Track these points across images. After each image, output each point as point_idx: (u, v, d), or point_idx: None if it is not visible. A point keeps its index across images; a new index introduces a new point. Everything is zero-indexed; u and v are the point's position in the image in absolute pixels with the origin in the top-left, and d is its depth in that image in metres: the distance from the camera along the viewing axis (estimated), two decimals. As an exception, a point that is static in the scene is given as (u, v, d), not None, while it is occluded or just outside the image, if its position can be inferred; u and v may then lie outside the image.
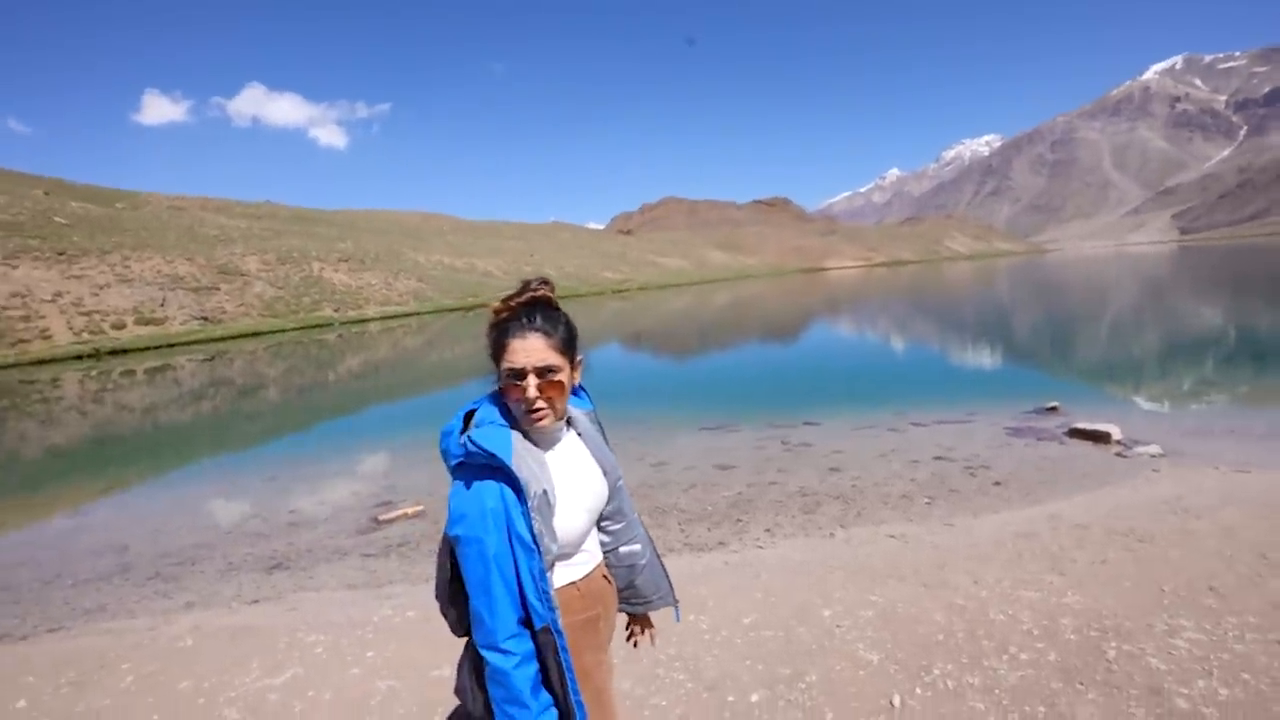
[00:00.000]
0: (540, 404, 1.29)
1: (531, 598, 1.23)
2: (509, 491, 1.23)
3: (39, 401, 21.15)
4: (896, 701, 2.42)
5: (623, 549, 1.55)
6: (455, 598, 1.35)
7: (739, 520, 5.17)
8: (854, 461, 6.53)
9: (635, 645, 1.76)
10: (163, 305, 48.44)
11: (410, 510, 5.95)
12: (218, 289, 53.47)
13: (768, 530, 4.88)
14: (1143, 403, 8.79)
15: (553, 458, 1.35)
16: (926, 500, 5.24)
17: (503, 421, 1.29)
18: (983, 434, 7.23)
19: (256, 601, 4.30)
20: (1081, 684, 2.43)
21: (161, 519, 6.55)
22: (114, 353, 40.75)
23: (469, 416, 1.33)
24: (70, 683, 3.27)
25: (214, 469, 9.36)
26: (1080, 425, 6.90)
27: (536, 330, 1.30)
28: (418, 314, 54.55)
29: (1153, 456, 5.98)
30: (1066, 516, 4.39)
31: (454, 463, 1.27)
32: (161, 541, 5.76)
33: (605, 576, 1.50)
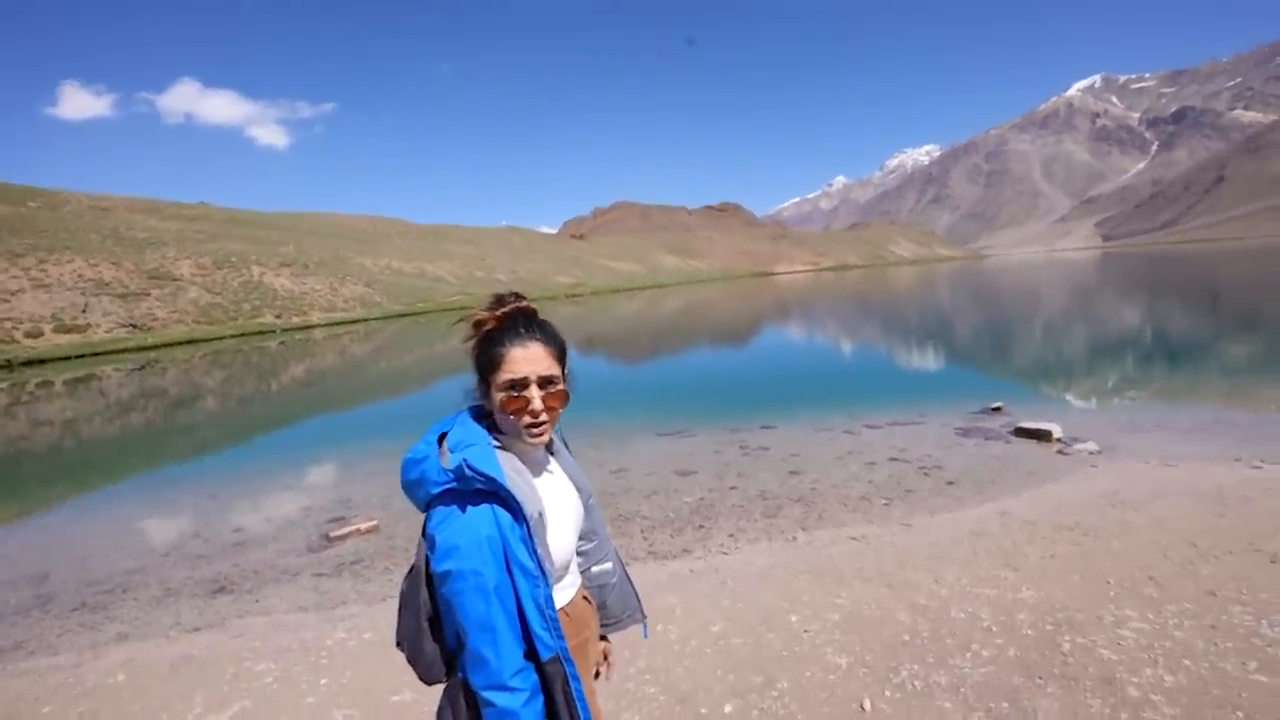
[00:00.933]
0: (544, 416, 1.22)
1: (537, 627, 1.15)
2: (504, 515, 1.13)
3: (-59, 417, 19.46)
4: (867, 705, 2.44)
5: (595, 568, 1.49)
6: (425, 640, 1.23)
7: (702, 526, 5.17)
8: (812, 464, 6.63)
9: (597, 677, 1.57)
10: (85, 312, 45.56)
11: (364, 526, 5.73)
12: (148, 294, 50.65)
13: (731, 535, 4.90)
14: (1079, 401, 9.26)
15: (538, 477, 1.29)
16: (884, 501, 5.37)
17: (489, 441, 1.20)
18: (934, 435, 7.47)
19: (198, 629, 4.04)
20: (1041, 678, 2.51)
21: (87, 544, 6.11)
22: (29, 363, 37.97)
23: (441, 439, 1.23)
24: None
25: (147, 487, 8.81)
26: (1024, 424, 7.20)
27: (537, 339, 1.24)
28: (365, 320, 52.86)
29: (1090, 453, 6.29)
30: (1016, 513, 4.56)
31: (436, 490, 1.14)
32: (88, 568, 5.36)
33: (586, 598, 1.45)
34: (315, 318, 53.28)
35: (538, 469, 1.31)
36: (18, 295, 44.08)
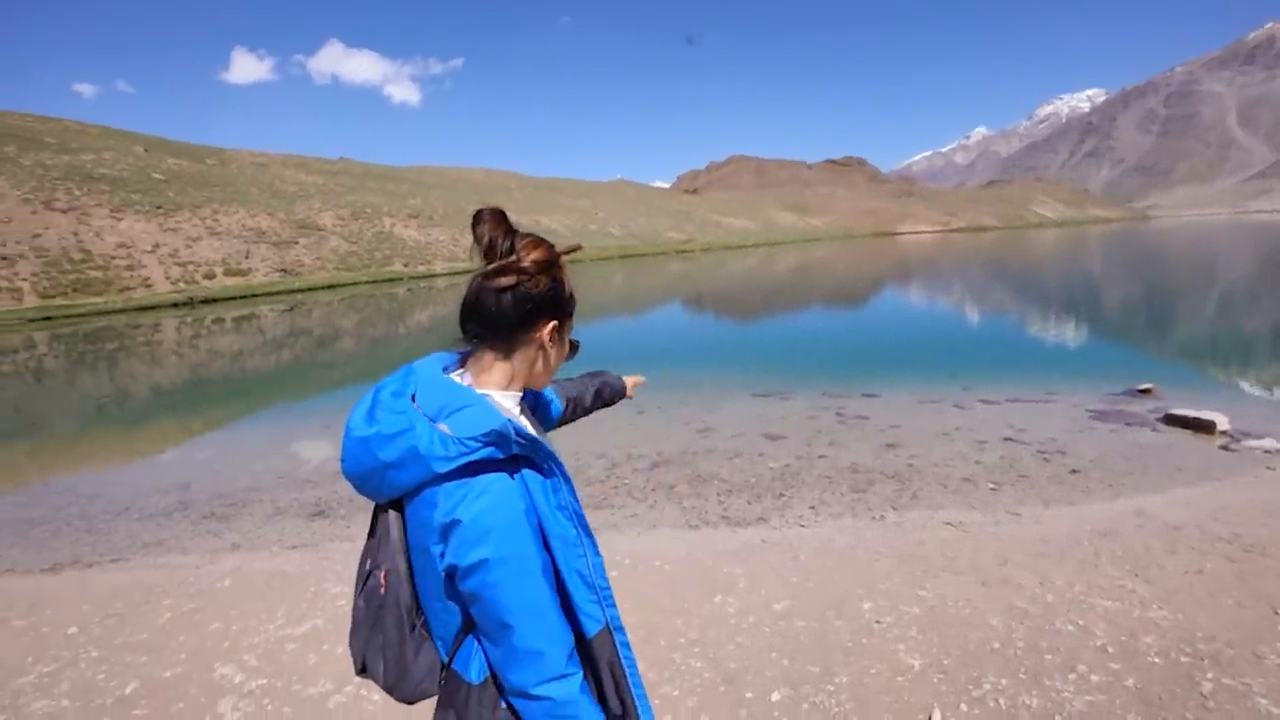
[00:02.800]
0: None
1: (583, 600, 1.02)
2: (534, 481, 0.98)
3: (144, 345, 22.94)
4: (936, 717, 2.15)
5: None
6: (412, 650, 1.06)
7: (782, 495, 4.90)
8: (913, 438, 6.09)
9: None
10: (247, 258, 51.25)
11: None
12: (296, 243, 55.98)
13: (812, 508, 4.60)
14: (1256, 390, 7.83)
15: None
16: (991, 485, 4.80)
17: (480, 396, 1.01)
18: (1061, 416, 6.61)
19: (295, 547, 4.39)
20: None
21: (224, 460, 6.87)
22: (205, 301, 43.51)
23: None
24: (116, 614, 3.41)
25: (281, 414, 9.79)
26: (1178, 411, 6.18)
27: None
28: (474, 271, 55.52)
29: (1267, 453, 5.27)
30: (1156, 515, 3.90)
31: (448, 467, 0.92)
32: (220, 482, 6.02)
33: None
34: (438, 267, 56.72)
35: (528, 422, 1.15)
36: (197, 242, 50.29)
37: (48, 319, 35.44)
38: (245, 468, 6.46)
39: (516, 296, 1.02)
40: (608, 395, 1.63)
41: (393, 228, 62.46)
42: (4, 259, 41.89)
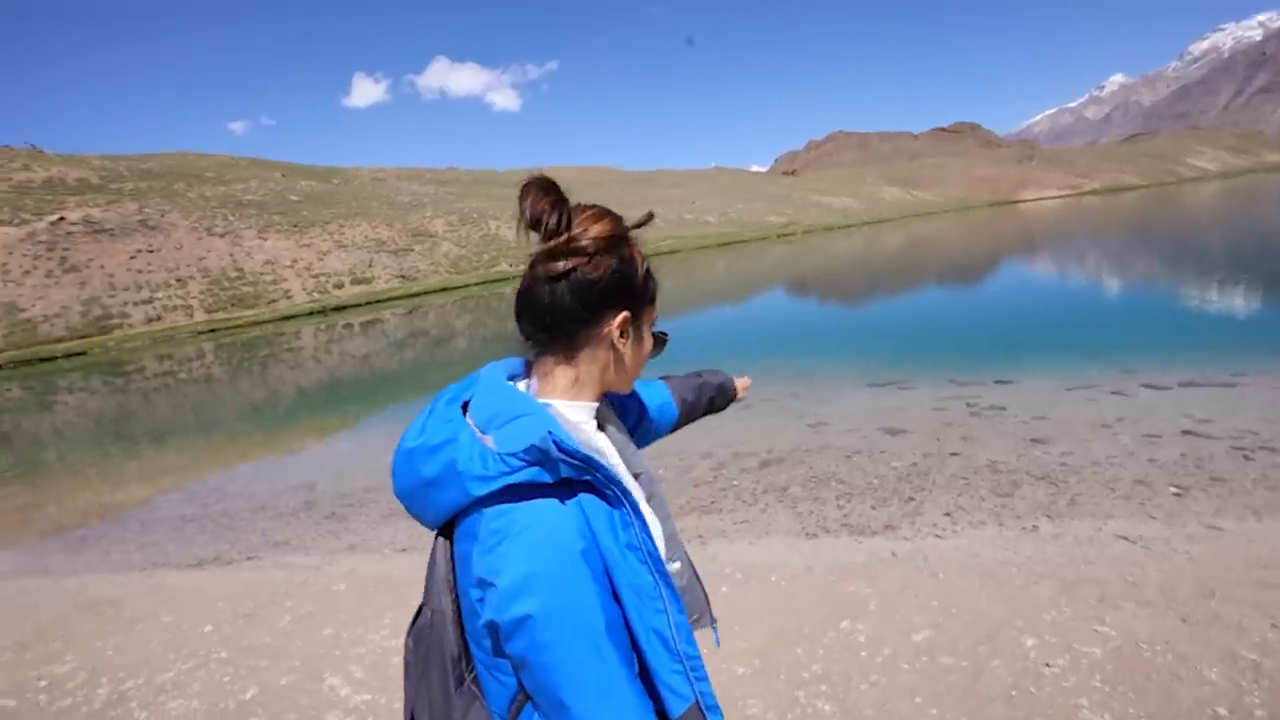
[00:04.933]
0: None
1: (666, 673, 0.77)
2: (599, 512, 0.75)
3: (287, 351, 25.50)
4: (1149, 804, 1.68)
5: (669, 566, 1.07)
6: (460, 711, 0.84)
7: (911, 499, 4.38)
8: (1064, 432, 5.29)
9: None
10: (370, 266, 55.47)
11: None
12: (412, 250, 59.89)
13: (948, 514, 4.06)
14: None
15: (613, 456, 0.90)
16: (1175, 490, 4.02)
17: (540, 404, 0.81)
18: (1257, 401, 5.51)
19: (404, 550, 4.47)
20: None
21: (348, 459, 7.26)
22: (336, 309, 47.56)
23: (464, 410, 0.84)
24: (244, 615, 3.56)
25: (401, 413, 10.31)
26: None
27: None
28: (581, 267, 56.98)
29: None
30: None
31: (487, 490, 0.73)
32: (342, 482, 6.33)
33: None
34: (540, 266, 58.76)
35: (608, 447, 0.90)
36: (327, 255, 55.08)
37: (213, 331, 40.26)
38: (365, 467, 6.76)
39: (574, 285, 0.82)
40: (720, 401, 1.41)
41: (498, 230, 65.33)
42: (179, 280, 47.95)
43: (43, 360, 33.93)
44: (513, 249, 60.56)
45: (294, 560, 4.53)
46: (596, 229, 0.82)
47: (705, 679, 0.81)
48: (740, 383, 1.49)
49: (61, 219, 50.14)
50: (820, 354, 9.94)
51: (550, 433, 0.73)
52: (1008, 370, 7.35)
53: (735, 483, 5.11)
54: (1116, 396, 6.08)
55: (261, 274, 51.06)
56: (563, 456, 0.72)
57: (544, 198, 0.81)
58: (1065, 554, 3.24)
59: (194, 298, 46.39)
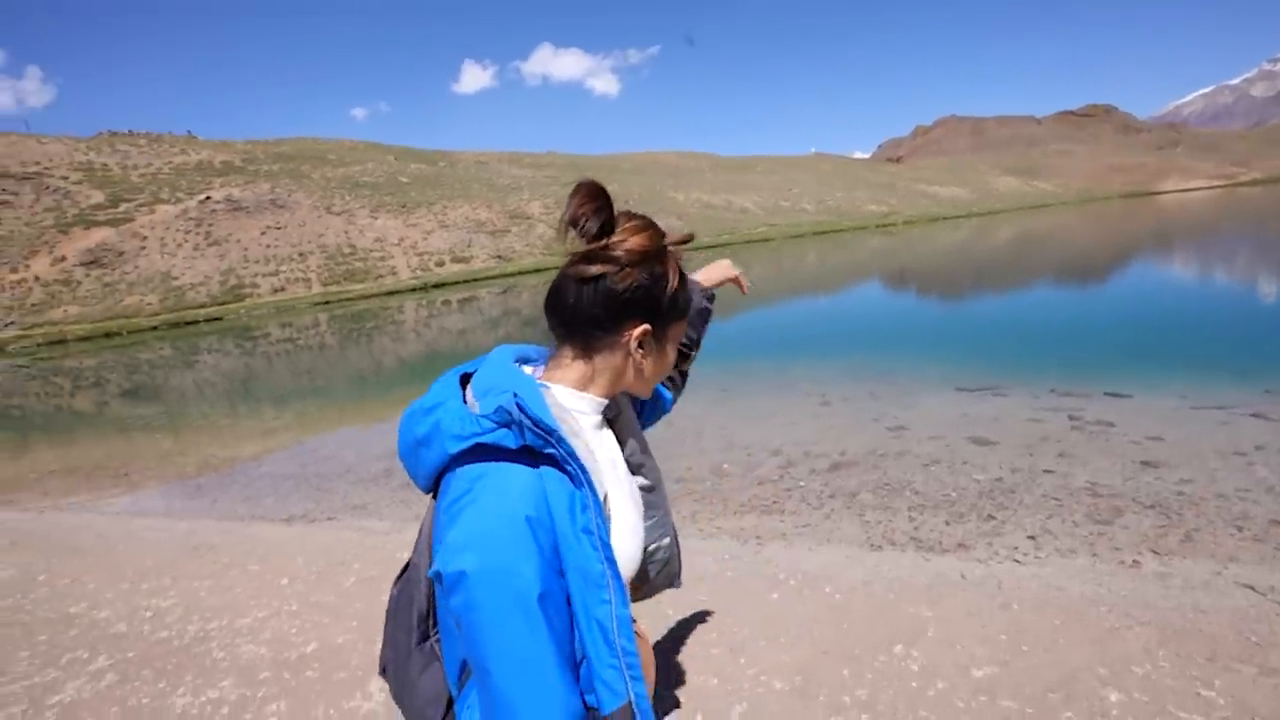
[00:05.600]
0: None
1: (602, 665, 0.76)
2: (559, 487, 0.77)
3: (391, 324, 27.26)
4: None
5: (650, 546, 1.06)
6: (417, 668, 0.90)
7: (991, 517, 4.03)
8: (1184, 457, 4.69)
9: None
10: (469, 246, 58.05)
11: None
12: (509, 231, 62.08)
13: (1032, 538, 3.70)
14: None
15: (599, 448, 0.91)
16: (1320, 535, 3.46)
17: (536, 385, 0.84)
18: None
19: (468, 524, 4.63)
20: None
21: (429, 432, 7.63)
22: (437, 285, 50.17)
23: (464, 382, 0.89)
24: (317, 572, 3.82)
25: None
26: None
27: None
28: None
29: None
30: None
31: (458, 447, 0.77)
32: (421, 453, 6.66)
33: (639, 632, 1.10)
34: (630, 250, 59.37)
35: (600, 438, 0.93)
36: (431, 234, 58.11)
37: (326, 303, 43.64)
38: (442, 440, 7.09)
39: (600, 291, 0.85)
40: (701, 322, 1.39)
41: (590, 214, 66.88)
42: (300, 255, 52.21)
43: (188, 324, 38.14)
44: (604, 233, 61.81)
45: (368, 524, 4.81)
46: (633, 241, 0.84)
47: (640, 680, 0.79)
48: (715, 272, 1.46)
49: (208, 198, 55.84)
50: (906, 353, 9.36)
51: (516, 395, 0.77)
52: (1122, 382, 6.61)
53: (802, 484, 4.91)
54: (1257, 420, 5.32)
55: (371, 251, 54.65)
56: (524, 419, 0.75)
57: (589, 202, 0.83)
58: (1171, 599, 2.86)
59: (312, 271, 50.42)
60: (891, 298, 20.35)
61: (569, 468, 0.77)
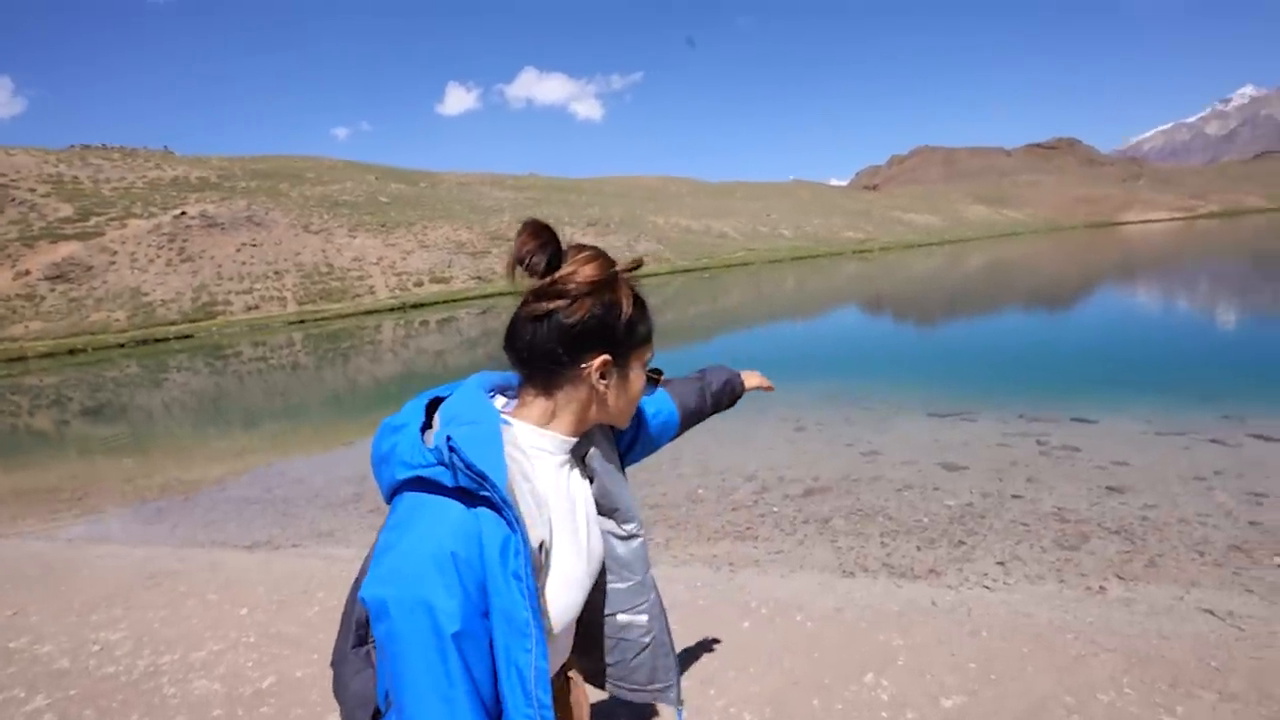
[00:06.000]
0: None
1: (516, 710, 0.75)
2: (493, 528, 0.76)
3: (368, 344, 26.90)
4: None
5: (622, 617, 1.04)
6: (351, 670, 0.91)
7: (962, 543, 4.06)
8: (1148, 482, 4.79)
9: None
10: (449, 267, 57.78)
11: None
12: (489, 253, 61.93)
13: (1001, 564, 3.73)
14: None
15: (553, 492, 0.89)
16: (1279, 561, 3.54)
17: (496, 421, 0.83)
18: (1391, 463, 4.81)
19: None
20: None
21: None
22: (415, 305, 49.66)
23: (433, 408, 0.88)
24: (278, 601, 3.69)
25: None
26: None
27: None
28: (654, 274, 57.27)
29: None
30: None
31: (403, 475, 0.78)
32: (392, 476, 6.53)
33: (571, 675, 1.08)
34: (610, 273, 59.62)
35: (553, 477, 0.90)
36: (410, 255, 57.77)
37: (302, 322, 42.96)
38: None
39: (553, 326, 0.85)
40: (727, 401, 1.42)
41: (572, 236, 66.72)
42: (276, 273, 51.47)
43: (157, 340, 37.23)
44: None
45: (334, 552, 4.68)
46: (583, 272, 0.84)
47: None
48: (751, 379, 1.48)
49: (183, 213, 54.91)
50: (880, 379, 9.48)
51: (450, 439, 0.76)
52: (1087, 408, 6.75)
53: (776, 509, 4.91)
54: (1216, 446, 5.46)
55: (349, 270, 54.11)
56: (458, 464, 0.75)
57: (533, 239, 0.84)
58: (1136, 624, 2.90)
59: (288, 290, 49.68)
60: (867, 323, 20.66)
61: (505, 514, 0.76)
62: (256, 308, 47.58)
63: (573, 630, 0.99)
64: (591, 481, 0.97)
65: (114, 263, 47.50)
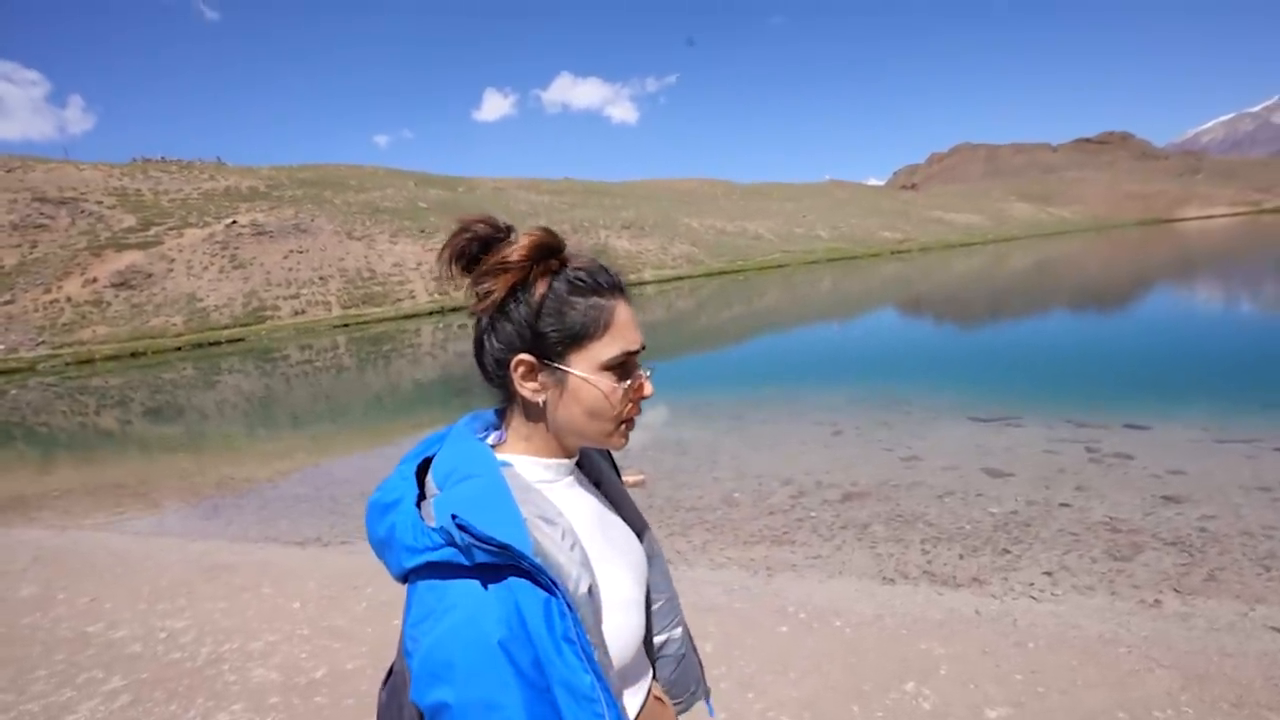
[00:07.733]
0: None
1: None
2: (530, 598, 0.68)
3: (409, 347, 27.55)
4: None
5: (658, 638, 0.97)
6: None
7: (1007, 551, 3.97)
8: (1206, 491, 4.60)
9: None
10: (486, 271, 58.79)
11: (630, 479, 5.93)
12: (525, 257, 62.82)
13: (1048, 574, 3.63)
14: None
15: (576, 519, 0.78)
16: (1349, 576, 3.37)
17: (496, 467, 0.74)
18: None
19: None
20: None
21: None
22: (454, 310, 50.44)
23: (423, 471, 0.77)
24: (329, 596, 3.84)
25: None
26: None
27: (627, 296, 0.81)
28: (689, 277, 57.30)
29: None
30: None
31: (413, 563, 0.70)
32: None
33: (659, 697, 0.94)
34: (648, 275, 59.51)
35: (565, 499, 0.80)
36: (448, 258, 59.00)
37: (345, 325, 44.25)
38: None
39: (481, 329, 0.78)
40: (672, 682, 1.15)
41: (607, 239, 67.13)
42: (321, 279, 53.14)
43: (211, 344, 38.84)
44: (621, 258, 61.98)
45: (358, 546, 4.83)
46: (487, 264, 0.74)
47: None
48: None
49: (234, 222, 57.21)
50: (920, 382, 9.29)
51: (455, 516, 0.66)
52: (1141, 414, 6.51)
53: (813, 514, 4.87)
54: (1281, 454, 5.21)
55: (390, 275, 55.52)
56: (473, 542, 0.66)
57: (464, 231, 0.75)
58: (1195, 641, 2.80)
59: (332, 295, 51.23)
60: (905, 325, 20.25)
61: (539, 579, 0.68)
62: (303, 312, 49.21)
63: (642, 651, 0.90)
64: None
65: (172, 270, 49.78)
